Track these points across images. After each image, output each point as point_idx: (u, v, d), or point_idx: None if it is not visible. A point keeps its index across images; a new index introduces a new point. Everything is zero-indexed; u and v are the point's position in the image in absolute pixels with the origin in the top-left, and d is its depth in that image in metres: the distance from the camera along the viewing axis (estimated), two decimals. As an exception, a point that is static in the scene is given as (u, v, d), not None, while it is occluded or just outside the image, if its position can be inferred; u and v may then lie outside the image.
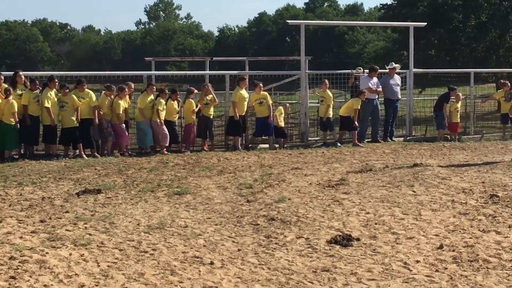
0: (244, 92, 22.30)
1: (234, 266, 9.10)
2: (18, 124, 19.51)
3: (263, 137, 23.24)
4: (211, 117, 22.62)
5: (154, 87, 22.10)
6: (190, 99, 22.14)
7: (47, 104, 19.86)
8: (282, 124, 23.16)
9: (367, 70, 24.65)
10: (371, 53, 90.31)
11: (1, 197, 13.68)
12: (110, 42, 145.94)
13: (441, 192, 13.82)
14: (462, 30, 50.76)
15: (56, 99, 20.17)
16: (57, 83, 20.40)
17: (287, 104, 24.87)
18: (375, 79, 23.97)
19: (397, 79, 24.73)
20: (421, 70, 28.91)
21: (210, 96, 22.24)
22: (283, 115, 23.23)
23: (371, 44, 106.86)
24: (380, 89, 23.88)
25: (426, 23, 29.99)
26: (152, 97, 21.55)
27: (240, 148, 21.93)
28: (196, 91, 22.74)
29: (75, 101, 20.10)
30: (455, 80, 33.92)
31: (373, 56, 79.88)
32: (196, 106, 22.11)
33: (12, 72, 21.16)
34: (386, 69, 25.37)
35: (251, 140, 23.36)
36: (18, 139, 19.98)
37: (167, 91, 21.98)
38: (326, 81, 23.49)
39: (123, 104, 20.86)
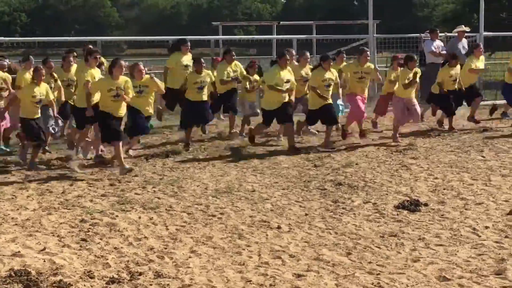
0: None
1: (301, 231, 9.13)
2: None
3: None
4: None
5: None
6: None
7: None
8: None
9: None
10: (440, 16, 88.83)
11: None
12: (177, 7, 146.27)
13: (511, 157, 13.63)
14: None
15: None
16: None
17: None
18: (438, 42, 23.51)
19: (464, 42, 24.23)
20: (491, 33, 28.29)
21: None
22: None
23: (440, 7, 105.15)
24: (444, 52, 23.42)
25: (497, -16, 29.26)
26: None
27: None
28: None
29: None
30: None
31: (442, 19, 78.50)
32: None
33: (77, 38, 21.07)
34: (454, 32, 24.91)
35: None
36: None
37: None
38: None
39: None
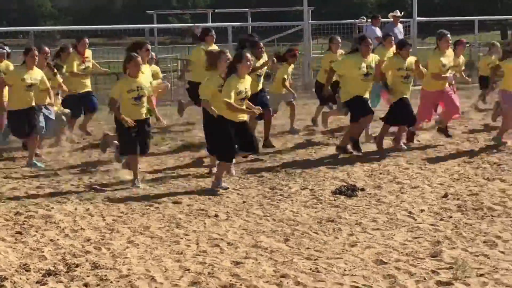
0: None
1: (239, 218, 9.14)
2: None
3: None
4: None
5: None
6: None
7: None
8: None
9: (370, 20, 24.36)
10: (374, 2, 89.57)
11: (6, 152, 13.63)
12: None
13: (446, 141, 13.81)
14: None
15: None
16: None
17: None
18: (378, 29, 23.70)
19: (400, 27, 24.42)
20: (425, 18, 28.62)
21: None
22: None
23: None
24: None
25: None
26: None
27: None
28: None
29: None
30: (458, 29, 33.65)
31: (376, 5, 79.23)
32: None
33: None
34: (389, 18, 25.11)
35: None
36: None
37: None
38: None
39: None
